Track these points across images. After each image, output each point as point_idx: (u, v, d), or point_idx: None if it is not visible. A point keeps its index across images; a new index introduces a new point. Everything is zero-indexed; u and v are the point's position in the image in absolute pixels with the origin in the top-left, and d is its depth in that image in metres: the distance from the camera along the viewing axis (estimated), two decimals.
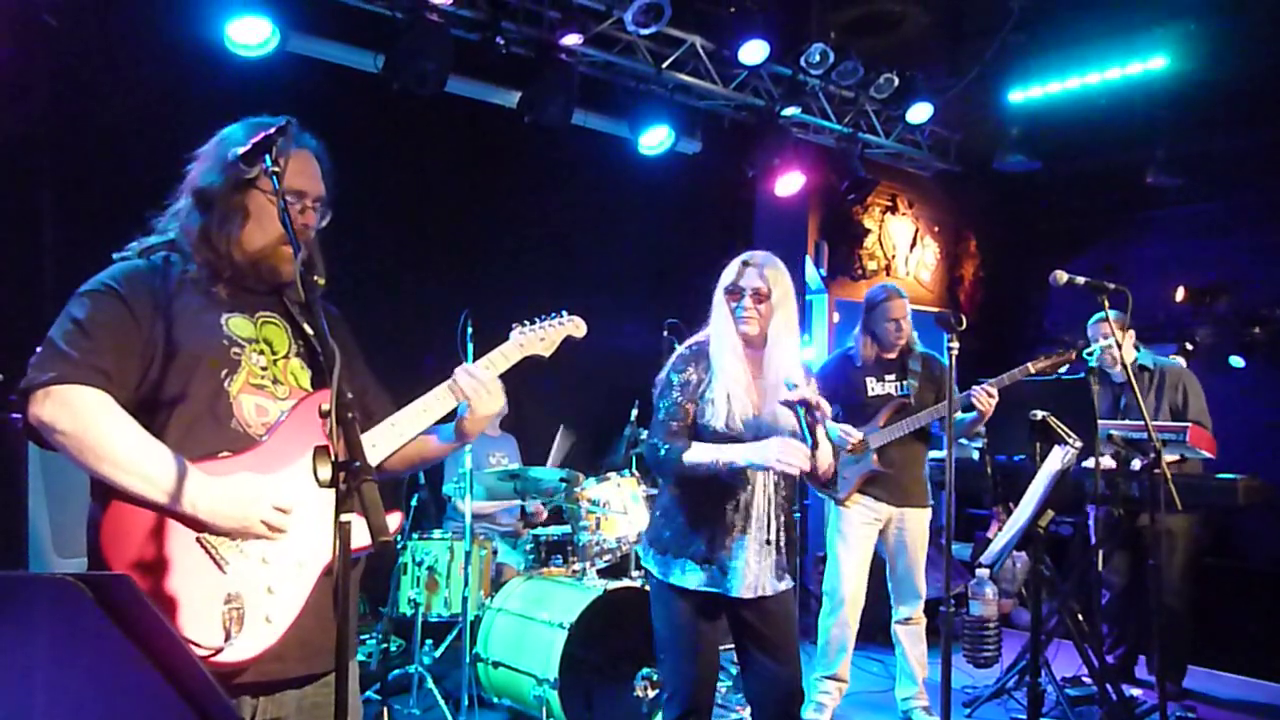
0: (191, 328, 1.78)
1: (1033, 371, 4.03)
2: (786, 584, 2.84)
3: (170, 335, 1.75)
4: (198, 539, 1.67)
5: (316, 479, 1.45)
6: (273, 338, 1.90)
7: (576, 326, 2.30)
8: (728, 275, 2.86)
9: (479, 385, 2.01)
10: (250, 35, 4.39)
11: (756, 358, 2.84)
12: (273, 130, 1.73)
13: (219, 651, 1.63)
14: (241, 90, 4.31)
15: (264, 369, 1.84)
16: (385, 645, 4.48)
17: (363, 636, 4.81)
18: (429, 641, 4.66)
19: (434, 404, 1.99)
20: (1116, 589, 4.95)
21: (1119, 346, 4.32)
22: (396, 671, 4.42)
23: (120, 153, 4.18)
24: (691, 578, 2.75)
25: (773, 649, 2.82)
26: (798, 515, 3.10)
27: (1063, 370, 6.05)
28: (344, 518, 1.45)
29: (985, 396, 3.96)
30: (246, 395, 1.80)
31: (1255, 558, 6.01)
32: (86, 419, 1.64)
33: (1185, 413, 4.72)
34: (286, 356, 1.90)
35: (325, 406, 1.48)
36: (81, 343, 1.68)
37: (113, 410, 1.67)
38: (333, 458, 1.45)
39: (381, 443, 1.92)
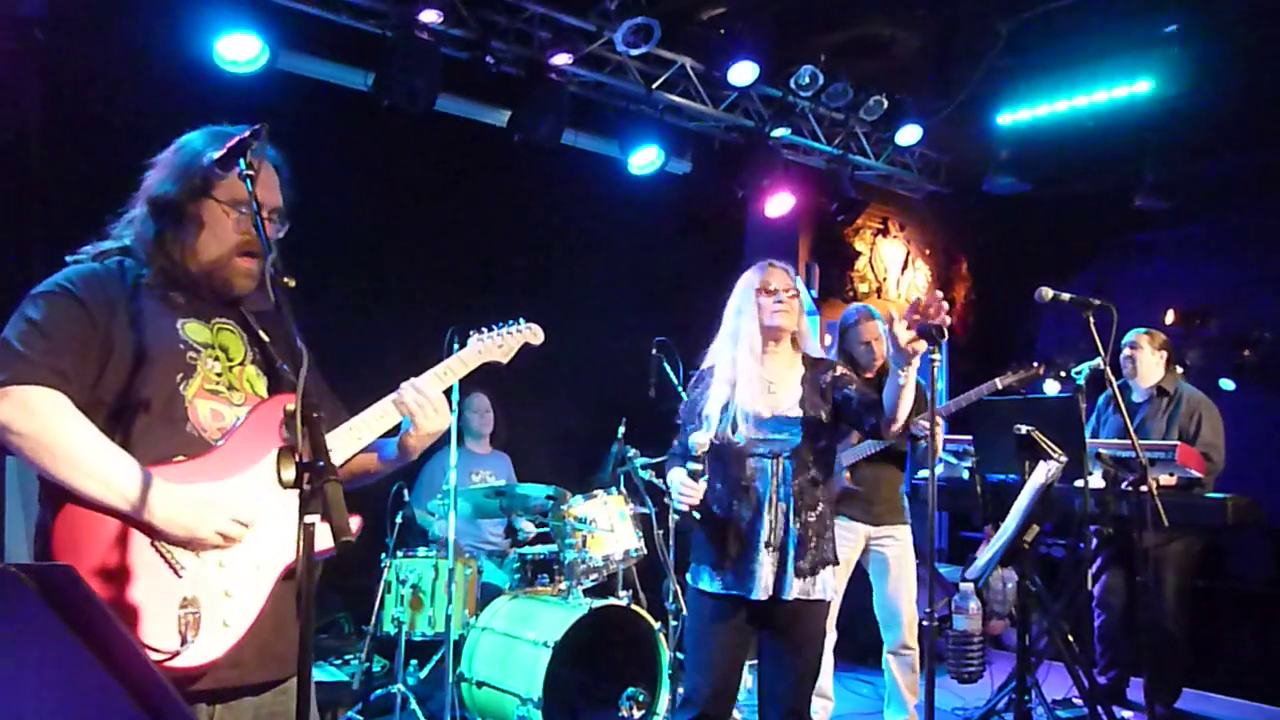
0: (148, 331, 1.76)
1: (1000, 387, 4.01)
2: (805, 594, 2.80)
3: (126, 338, 1.74)
4: (152, 543, 1.65)
5: (280, 480, 1.42)
6: (229, 344, 1.88)
7: (534, 334, 2.29)
8: (754, 278, 2.98)
9: (425, 401, 1.95)
10: (239, 52, 4.39)
11: (775, 352, 2.95)
12: (247, 134, 1.71)
13: (175, 655, 1.60)
14: (231, 107, 4.29)
15: (219, 375, 1.83)
16: (368, 665, 4.42)
17: (346, 656, 4.75)
18: (413, 661, 4.61)
19: (391, 409, 1.96)
20: (1113, 611, 4.91)
21: (1107, 363, 4.29)
22: (379, 691, 4.35)
23: (109, 168, 4.16)
24: (712, 582, 2.87)
25: (774, 659, 2.89)
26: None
27: (1054, 390, 6.03)
28: (308, 519, 1.42)
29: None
30: (202, 400, 1.79)
31: (1247, 579, 5.98)
32: (44, 420, 1.62)
33: (1194, 441, 4.69)
34: (242, 363, 1.88)
35: (291, 406, 1.46)
36: (38, 343, 1.66)
37: (70, 412, 1.65)
38: (297, 459, 1.43)
39: (340, 447, 1.89)
